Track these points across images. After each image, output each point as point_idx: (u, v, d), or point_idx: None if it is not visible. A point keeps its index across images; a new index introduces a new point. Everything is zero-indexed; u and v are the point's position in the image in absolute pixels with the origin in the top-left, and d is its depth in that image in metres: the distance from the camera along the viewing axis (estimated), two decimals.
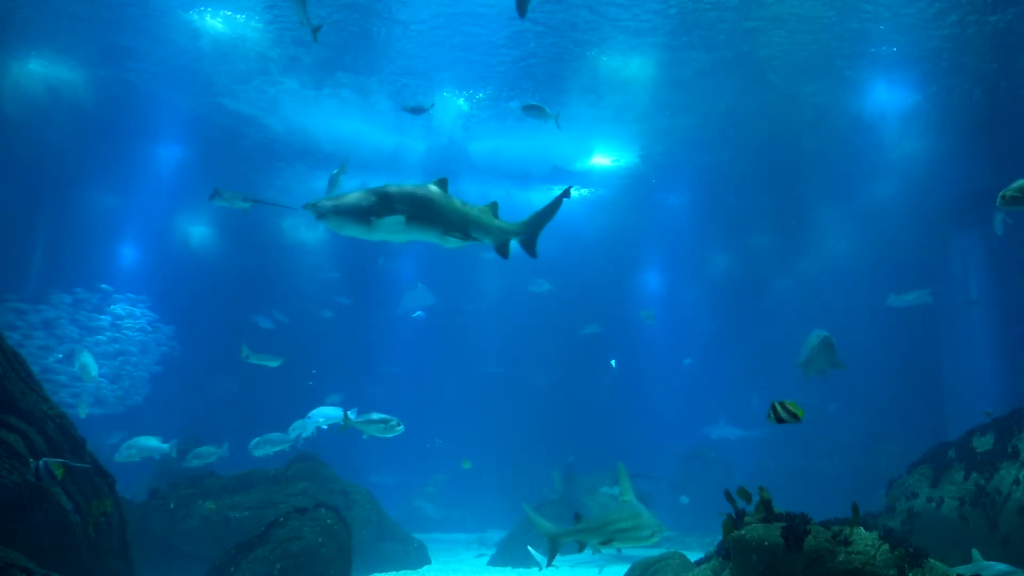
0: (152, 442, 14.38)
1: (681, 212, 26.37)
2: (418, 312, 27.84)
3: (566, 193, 8.91)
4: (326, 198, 7.76)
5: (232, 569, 10.70)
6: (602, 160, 23.53)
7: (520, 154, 23.13)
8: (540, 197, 26.69)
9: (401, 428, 12.05)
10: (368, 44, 16.93)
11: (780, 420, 7.34)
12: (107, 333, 23.51)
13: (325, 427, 14.69)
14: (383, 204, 7.67)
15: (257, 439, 14.68)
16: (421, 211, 7.90)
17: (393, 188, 7.88)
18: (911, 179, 21.63)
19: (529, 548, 14.88)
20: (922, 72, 17.69)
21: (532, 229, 8.95)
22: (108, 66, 17.96)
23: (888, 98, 19.04)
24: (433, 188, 8.20)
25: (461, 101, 19.50)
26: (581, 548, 8.09)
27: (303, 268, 28.21)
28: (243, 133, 21.36)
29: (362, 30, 16.37)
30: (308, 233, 27.89)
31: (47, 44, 17.18)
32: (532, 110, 15.23)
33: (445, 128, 21.26)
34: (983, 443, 11.02)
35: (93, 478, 9.13)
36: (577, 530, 8.13)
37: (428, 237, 8.20)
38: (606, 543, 8.05)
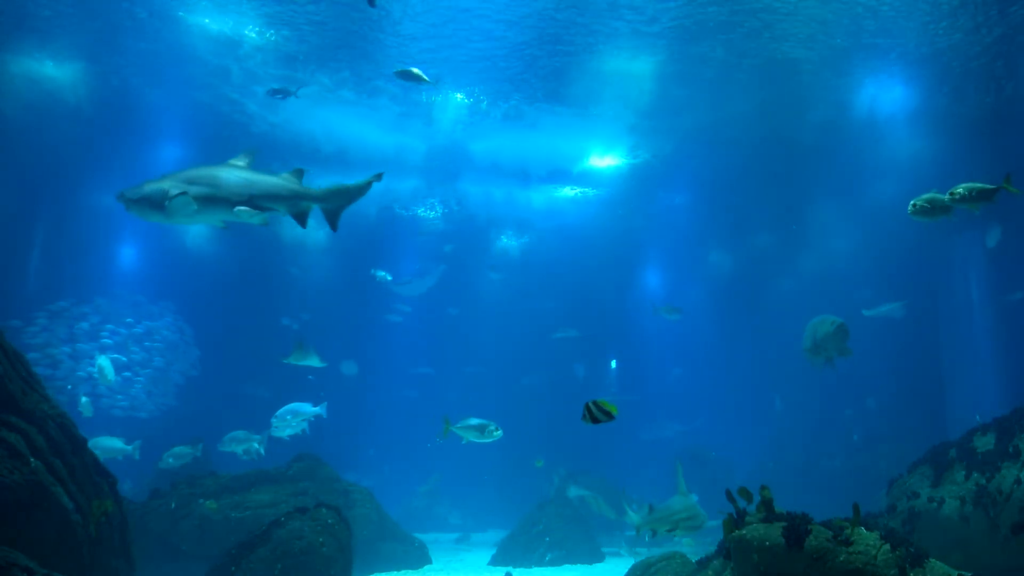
0: (115, 443, 14.35)
1: (683, 212, 26.36)
2: (452, 309, 27.83)
3: (377, 177, 8.73)
4: (131, 187, 7.88)
5: (233, 569, 10.70)
6: (604, 160, 23.52)
7: (521, 154, 23.11)
8: (541, 197, 26.73)
9: (499, 433, 11.81)
10: (369, 43, 16.92)
11: (595, 420, 7.33)
12: (144, 342, 23.90)
13: (294, 431, 14.62)
14: (175, 188, 7.78)
15: (226, 437, 14.97)
16: (210, 190, 7.94)
17: (188, 171, 7.99)
18: (914, 179, 21.60)
19: (623, 544, 15.23)
20: (925, 72, 17.69)
21: (337, 199, 8.74)
22: (106, 66, 17.94)
23: (891, 98, 19.04)
24: (230, 164, 8.23)
25: (460, 96, 19.42)
26: (654, 534, 9.46)
27: (311, 267, 28.30)
28: (243, 133, 21.32)
29: (363, 28, 16.35)
30: (314, 232, 28.09)
31: (44, 44, 17.13)
32: (407, 75, 14.57)
33: (446, 128, 21.24)
34: (984, 443, 11.02)
35: (94, 477, 9.14)
36: (652, 519, 9.48)
37: (222, 216, 8.19)
38: (671, 530, 9.21)
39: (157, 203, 7.76)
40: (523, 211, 27.32)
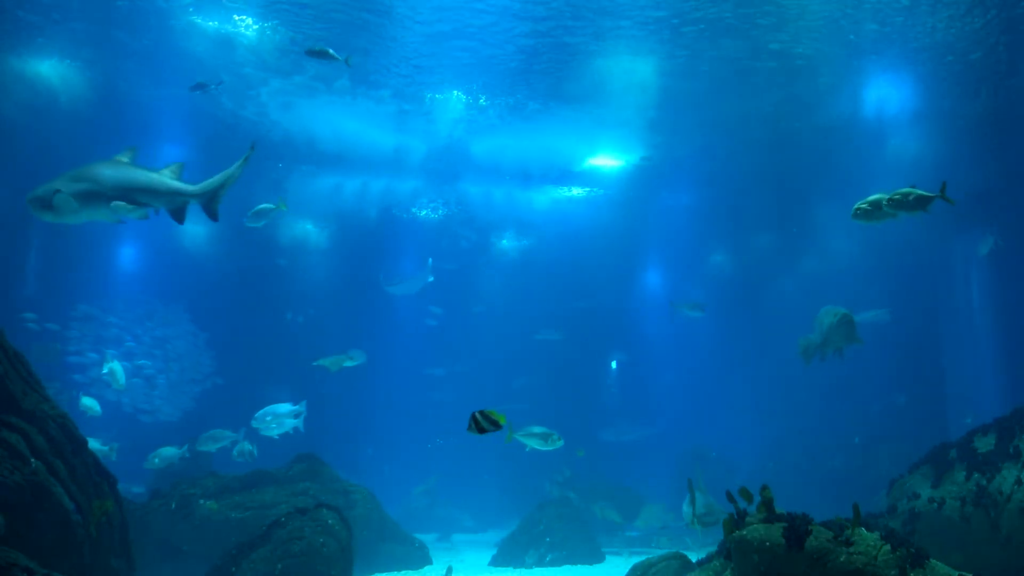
0: (92, 444, 14.39)
1: (684, 212, 26.35)
2: (433, 320, 27.80)
3: (249, 153, 8.90)
4: (33, 189, 8.16)
5: (233, 569, 10.71)
6: (605, 160, 23.52)
7: (522, 154, 23.11)
8: (542, 197, 26.73)
9: (561, 442, 12.29)
10: (369, 43, 16.91)
11: (482, 430, 7.29)
12: (166, 345, 24.52)
13: (284, 430, 14.64)
14: (60, 186, 8.04)
15: (203, 435, 15.15)
16: (90, 186, 8.17)
17: (78, 169, 8.24)
18: (914, 180, 21.58)
19: (688, 539, 16.41)
20: (926, 73, 17.68)
21: (213, 191, 8.89)
22: (106, 67, 17.93)
23: (894, 99, 19.04)
24: (115, 160, 8.48)
25: (458, 93, 19.38)
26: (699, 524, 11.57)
27: (312, 267, 28.37)
28: (243, 133, 21.32)
29: (363, 29, 16.35)
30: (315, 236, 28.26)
31: (44, 44, 17.12)
32: (317, 54, 14.21)
33: (447, 128, 21.23)
34: (985, 443, 11.00)
35: (95, 478, 9.14)
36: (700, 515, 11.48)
37: (101, 212, 8.38)
38: (704, 524, 11.01)
39: (46, 202, 8.01)
40: (524, 211, 27.32)
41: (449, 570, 13.69)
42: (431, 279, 25.75)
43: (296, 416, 14.67)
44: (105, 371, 17.79)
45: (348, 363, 15.45)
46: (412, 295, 27.34)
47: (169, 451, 15.32)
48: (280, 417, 14.33)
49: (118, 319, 23.83)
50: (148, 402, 23.27)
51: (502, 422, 7.28)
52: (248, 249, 25.89)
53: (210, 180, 8.90)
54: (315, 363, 15.42)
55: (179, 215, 8.79)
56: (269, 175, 23.98)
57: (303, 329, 26.65)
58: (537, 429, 12.41)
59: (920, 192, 9.81)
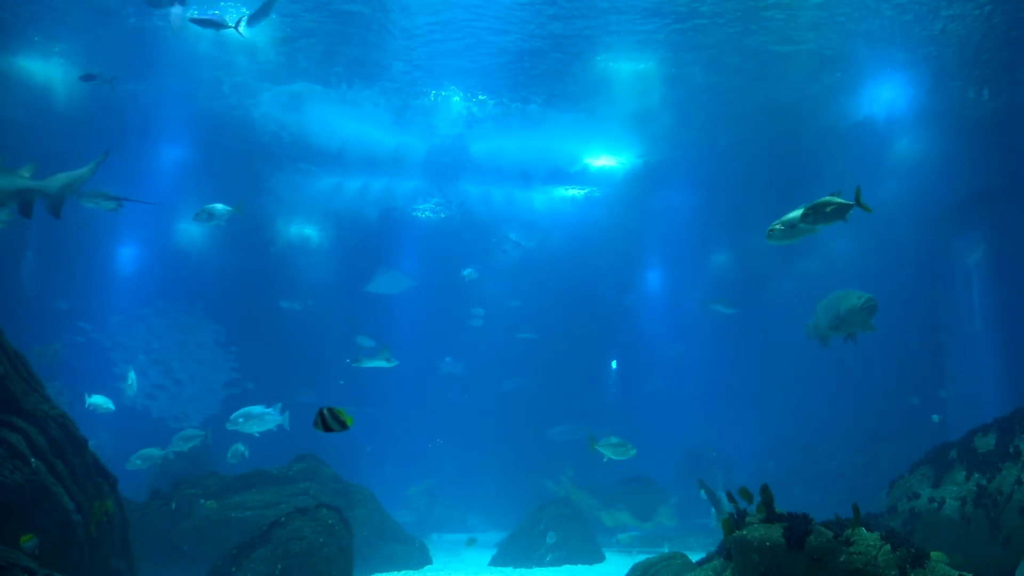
0: None
1: (682, 213, 26.35)
2: (478, 320, 27.74)
3: (102, 157, 9.62)
4: None
5: (233, 569, 10.73)
6: (604, 160, 23.52)
7: (522, 154, 23.08)
8: (542, 197, 26.72)
9: (634, 451, 12.93)
10: (369, 43, 16.89)
11: (328, 428, 7.10)
12: (194, 352, 24.95)
13: (265, 428, 14.69)
14: None
15: (175, 437, 15.36)
16: None
17: None
18: (913, 180, 21.64)
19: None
20: (925, 73, 17.68)
21: (62, 191, 9.46)
22: (107, 67, 17.90)
23: (891, 99, 19.04)
24: None
25: (458, 91, 19.34)
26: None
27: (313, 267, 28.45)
28: (244, 133, 21.29)
29: (364, 29, 16.34)
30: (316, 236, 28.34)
31: (39, 42, 17.05)
32: (203, 22, 13.30)
33: (447, 128, 21.23)
34: (985, 443, 11.02)
35: (95, 478, 9.15)
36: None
37: None
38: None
39: None
40: (525, 212, 27.30)
41: (471, 541, 13.71)
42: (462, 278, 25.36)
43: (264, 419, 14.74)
44: (130, 381, 18.08)
45: (383, 363, 15.46)
46: (395, 295, 27.14)
47: (151, 452, 15.34)
48: (253, 418, 14.38)
49: (146, 326, 24.31)
50: (175, 407, 23.63)
51: (349, 423, 7.12)
52: (253, 250, 25.94)
53: (58, 176, 9.36)
54: (352, 363, 15.48)
55: (26, 210, 9.21)
56: (261, 175, 23.96)
57: (308, 329, 26.70)
58: (614, 439, 12.88)
59: (839, 200, 9.58)
